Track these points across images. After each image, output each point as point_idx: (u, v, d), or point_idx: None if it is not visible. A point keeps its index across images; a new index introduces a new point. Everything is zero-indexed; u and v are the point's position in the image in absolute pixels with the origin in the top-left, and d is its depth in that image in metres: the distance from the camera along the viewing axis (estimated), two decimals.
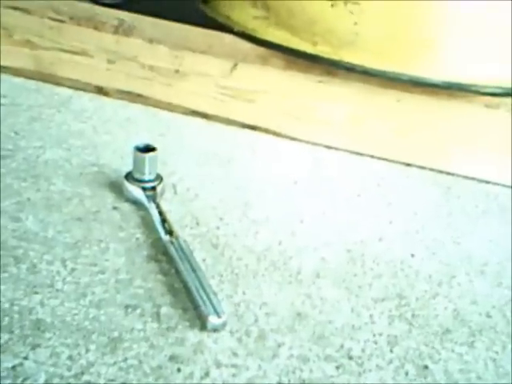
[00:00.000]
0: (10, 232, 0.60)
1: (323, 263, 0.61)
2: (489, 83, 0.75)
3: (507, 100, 0.77)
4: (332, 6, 0.76)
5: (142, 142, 0.66)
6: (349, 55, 0.77)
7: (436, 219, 0.71)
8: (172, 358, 0.49)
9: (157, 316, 0.53)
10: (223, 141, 0.80)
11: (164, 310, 0.53)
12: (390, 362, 0.52)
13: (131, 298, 0.54)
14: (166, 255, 0.59)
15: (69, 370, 0.47)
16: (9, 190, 0.65)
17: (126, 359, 0.48)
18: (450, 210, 0.72)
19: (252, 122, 0.83)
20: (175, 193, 0.69)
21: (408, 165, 0.79)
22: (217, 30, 0.84)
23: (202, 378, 0.48)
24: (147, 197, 0.65)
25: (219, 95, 0.83)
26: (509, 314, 0.58)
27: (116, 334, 0.50)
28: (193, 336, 0.51)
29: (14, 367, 0.46)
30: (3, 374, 0.46)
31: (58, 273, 0.56)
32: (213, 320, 0.51)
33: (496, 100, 0.77)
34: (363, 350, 0.52)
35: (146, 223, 0.63)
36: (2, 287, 0.53)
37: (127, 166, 0.67)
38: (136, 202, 0.66)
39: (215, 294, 0.54)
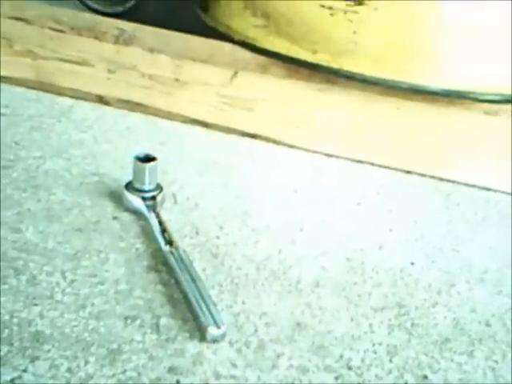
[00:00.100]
0: (10, 243, 0.60)
1: (323, 272, 0.61)
2: (488, 90, 0.75)
3: (506, 107, 0.77)
4: (331, 14, 0.76)
5: (142, 152, 0.67)
6: (348, 63, 0.77)
7: (436, 227, 0.70)
8: (171, 370, 0.49)
9: (156, 327, 0.53)
10: (223, 149, 0.81)
11: (163, 320, 0.53)
12: (390, 372, 0.52)
13: (131, 309, 0.54)
14: (166, 265, 0.59)
15: (68, 382, 0.47)
16: (9, 201, 0.65)
17: (124, 371, 0.48)
18: (449, 218, 0.72)
19: (252, 131, 0.83)
20: (175, 202, 0.69)
21: (408, 172, 0.79)
22: (217, 39, 0.85)
23: None
24: (147, 206, 0.65)
25: (219, 104, 0.84)
26: (509, 322, 0.58)
27: (115, 345, 0.50)
28: (192, 347, 0.51)
29: (12, 380, 0.47)
30: None
31: (58, 284, 0.56)
32: (212, 331, 0.52)
33: (495, 107, 0.77)
34: (363, 360, 0.52)
35: (146, 233, 0.63)
36: (2, 299, 0.53)
37: (127, 176, 0.67)
38: (136, 212, 0.66)
39: (215, 304, 0.54)
